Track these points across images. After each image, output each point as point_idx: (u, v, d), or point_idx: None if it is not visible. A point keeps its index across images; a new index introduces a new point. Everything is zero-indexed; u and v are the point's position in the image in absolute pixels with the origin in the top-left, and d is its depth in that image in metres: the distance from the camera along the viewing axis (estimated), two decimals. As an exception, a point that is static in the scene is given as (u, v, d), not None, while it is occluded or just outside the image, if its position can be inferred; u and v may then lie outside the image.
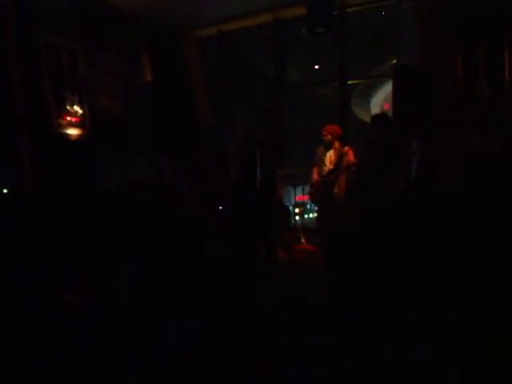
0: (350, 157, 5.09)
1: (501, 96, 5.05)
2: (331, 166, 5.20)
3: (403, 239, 3.93)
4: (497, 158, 4.65)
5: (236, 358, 2.65)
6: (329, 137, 5.22)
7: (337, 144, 5.18)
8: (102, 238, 5.16)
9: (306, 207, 7.90)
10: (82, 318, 3.33)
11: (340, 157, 5.11)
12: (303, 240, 6.15)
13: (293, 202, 7.76)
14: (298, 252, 5.82)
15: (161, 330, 3.16)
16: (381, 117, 5.41)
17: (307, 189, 5.78)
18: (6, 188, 5.24)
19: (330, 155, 5.22)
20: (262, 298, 3.93)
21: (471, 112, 5.18)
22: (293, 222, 6.91)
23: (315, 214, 6.35)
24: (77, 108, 6.01)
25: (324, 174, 5.22)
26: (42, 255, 4.65)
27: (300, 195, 7.25)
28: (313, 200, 5.57)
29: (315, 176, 5.32)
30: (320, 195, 5.27)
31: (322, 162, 5.28)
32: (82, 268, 4.57)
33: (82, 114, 6.06)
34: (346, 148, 5.12)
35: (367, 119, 8.34)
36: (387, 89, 10.84)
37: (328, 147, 5.25)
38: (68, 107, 5.91)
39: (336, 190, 5.10)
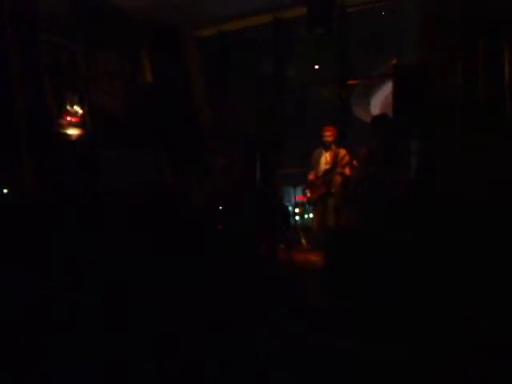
0: (346, 157, 5.12)
1: (502, 96, 5.04)
2: (326, 167, 5.23)
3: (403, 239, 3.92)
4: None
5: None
6: (331, 138, 5.26)
7: (333, 146, 5.23)
8: (101, 237, 5.16)
9: (305, 207, 7.89)
10: (80, 315, 3.34)
11: (335, 157, 5.14)
12: (303, 240, 6.14)
13: (293, 201, 7.75)
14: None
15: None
16: (381, 118, 5.40)
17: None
18: (6, 188, 5.23)
19: (326, 156, 5.25)
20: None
21: (471, 112, 5.17)
22: (293, 222, 6.90)
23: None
24: (77, 108, 6.01)
25: (319, 175, 5.24)
26: (42, 255, 4.65)
27: (300, 195, 7.25)
28: (309, 202, 5.59)
29: (311, 177, 5.34)
30: (317, 196, 5.29)
31: (318, 164, 5.31)
32: (81, 267, 4.58)
33: (81, 114, 6.05)
34: (342, 150, 5.17)
35: (367, 119, 8.33)
36: (387, 89, 10.81)
37: (327, 148, 5.28)
38: (68, 107, 5.90)
39: (332, 190, 5.12)
